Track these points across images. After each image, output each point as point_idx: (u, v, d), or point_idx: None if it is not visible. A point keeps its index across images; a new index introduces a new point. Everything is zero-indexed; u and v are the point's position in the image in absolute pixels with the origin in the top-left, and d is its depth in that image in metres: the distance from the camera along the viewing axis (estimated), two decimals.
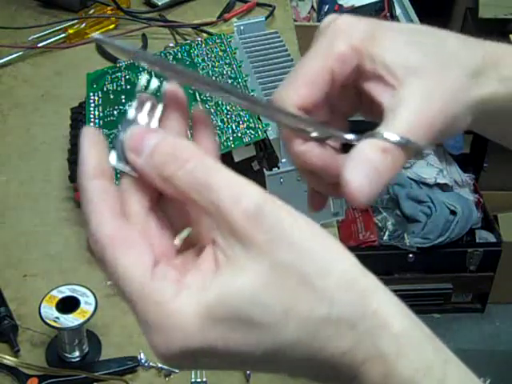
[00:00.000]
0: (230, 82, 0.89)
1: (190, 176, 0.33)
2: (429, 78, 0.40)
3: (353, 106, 0.45)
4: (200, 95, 0.87)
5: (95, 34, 0.36)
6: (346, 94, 0.44)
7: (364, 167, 0.38)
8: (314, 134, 0.42)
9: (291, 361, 0.33)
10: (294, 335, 0.32)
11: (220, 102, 0.85)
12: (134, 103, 0.37)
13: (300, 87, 0.41)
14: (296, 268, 0.32)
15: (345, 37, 0.42)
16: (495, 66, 0.42)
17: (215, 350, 0.33)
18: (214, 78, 0.90)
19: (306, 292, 0.32)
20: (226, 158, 0.78)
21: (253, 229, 0.32)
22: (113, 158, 0.36)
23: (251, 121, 0.80)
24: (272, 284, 0.32)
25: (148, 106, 0.37)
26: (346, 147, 0.42)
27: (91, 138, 0.35)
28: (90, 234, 0.34)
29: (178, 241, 0.36)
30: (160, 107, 0.37)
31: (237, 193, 0.32)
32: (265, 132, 0.79)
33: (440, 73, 0.41)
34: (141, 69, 0.93)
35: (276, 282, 0.32)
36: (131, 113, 0.36)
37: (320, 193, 0.46)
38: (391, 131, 0.39)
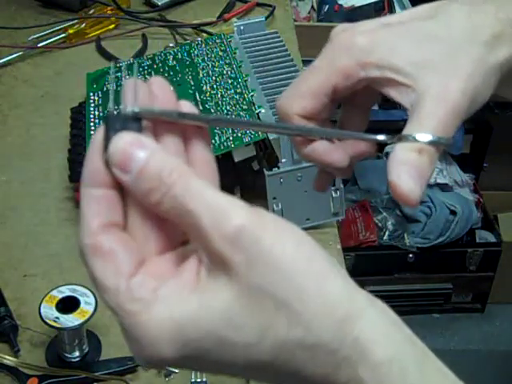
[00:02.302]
0: (229, 81, 0.89)
1: (173, 202, 0.32)
2: (440, 66, 0.41)
3: (370, 99, 0.47)
4: (200, 95, 0.87)
5: (131, 109, 0.34)
6: (360, 92, 0.44)
7: (406, 169, 0.39)
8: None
9: (272, 374, 0.33)
10: (269, 357, 0.32)
11: (220, 102, 0.85)
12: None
13: (302, 100, 0.43)
14: (272, 290, 0.31)
15: (347, 53, 0.42)
16: (510, 27, 0.42)
17: (192, 362, 0.33)
18: (214, 78, 0.90)
19: (281, 315, 0.32)
20: (226, 158, 0.78)
21: (230, 251, 0.31)
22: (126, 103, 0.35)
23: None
24: (247, 306, 0.32)
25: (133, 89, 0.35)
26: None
27: (98, 144, 0.34)
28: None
29: None
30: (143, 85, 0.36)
31: (217, 216, 0.32)
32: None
33: (450, 56, 0.41)
34: (140, 69, 0.93)
35: (251, 304, 0.32)
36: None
37: (328, 174, 0.48)
38: (420, 131, 0.40)
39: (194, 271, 0.33)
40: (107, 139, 0.34)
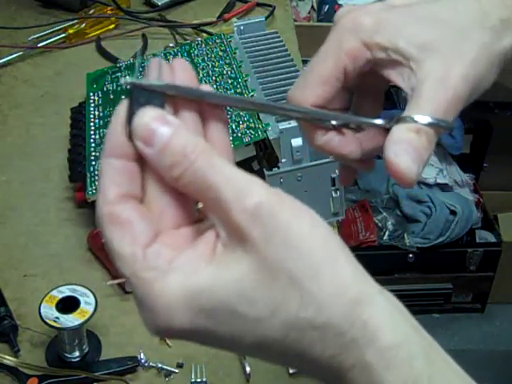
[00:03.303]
0: (229, 81, 0.89)
1: (194, 175, 0.33)
2: (444, 50, 0.40)
3: (381, 85, 0.46)
4: None
5: (125, 79, 0.35)
6: (370, 77, 0.44)
7: (404, 147, 0.39)
8: (334, 123, 0.43)
9: (279, 353, 0.33)
10: (279, 334, 0.32)
11: None
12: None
13: (314, 88, 0.43)
14: (287, 267, 0.32)
15: (352, 34, 0.42)
16: None
17: (201, 333, 0.33)
18: (214, 78, 0.90)
19: (294, 293, 0.32)
20: None
21: (249, 225, 0.32)
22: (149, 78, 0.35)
23: (251, 121, 0.80)
24: (262, 280, 0.32)
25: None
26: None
27: (121, 116, 0.35)
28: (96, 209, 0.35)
29: (200, 205, 0.35)
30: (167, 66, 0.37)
31: (238, 191, 0.32)
32: (265, 132, 0.79)
33: (455, 40, 0.41)
34: (140, 69, 0.93)
35: (266, 278, 0.32)
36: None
37: (349, 168, 0.48)
38: (419, 113, 0.39)
39: (210, 245, 0.34)
40: (131, 113, 0.34)
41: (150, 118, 0.34)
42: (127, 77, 0.35)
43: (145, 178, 0.35)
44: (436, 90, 0.40)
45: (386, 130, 0.41)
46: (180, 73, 0.37)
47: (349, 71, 0.42)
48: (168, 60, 0.95)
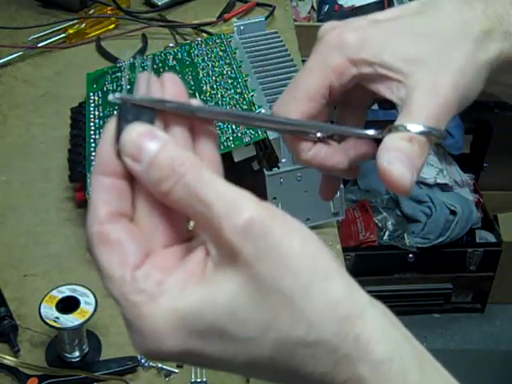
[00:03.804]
0: (229, 81, 0.89)
1: (184, 190, 0.32)
2: (431, 61, 0.40)
3: (366, 99, 0.46)
4: (200, 95, 0.87)
5: (113, 96, 0.35)
6: (355, 91, 0.44)
7: (397, 155, 0.39)
8: (319, 135, 0.43)
9: (271, 371, 0.33)
10: (270, 353, 0.32)
11: (220, 102, 0.85)
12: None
13: (300, 104, 0.43)
14: (277, 285, 0.32)
15: (338, 51, 0.42)
16: (499, 24, 0.42)
17: (192, 355, 0.33)
18: (213, 78, 0.90)
19: (284, 311, 0.32)
20: (226, 158, 0.78)
21: (240, 242, 0.31)
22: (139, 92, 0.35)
23: None
24: (252, 299, 0.32)
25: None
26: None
27: (110, 133, 0.34)
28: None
29: (192, 223, 0.35)
30: (155, 79, 0.36)
31: (228, 206, 0.32)
32: (265, 132, 0.79)
33: (441, 52, 0.41)
34: (140, 69, 0.93)
35: (256, 297, 0.32)
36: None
37: (332, 181, 0.48)
38: (411, 121, 0.39)
39: (200, 263, 0.33)
40: (119, 129, 0.34)
41: (137, 133, 0.34)
42: (116, 93, 0.35)
43: (135, 197, 0.35)
44: (426, 99, 0.40)
45: (377, 141, 0.42)
46: (170, 87, 0.36)
47: (334, 87, 0.43)
48: (168, 60, 0.95)
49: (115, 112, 0.35)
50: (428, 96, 0.40)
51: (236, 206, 0.32)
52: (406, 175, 0.39)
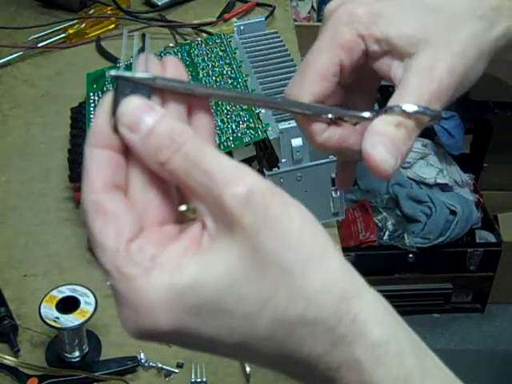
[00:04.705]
0: (230, 81, 0.89)
1: (184, 159, 0.32)
2: (434, 40, 0.40)
3: (374, 81, 0.46)
4: None
5: (115, 72, 0.34)
6: (363, 73, 0.44)
7: (381, 139, 0.39)
8: (330, 116, 0.43)
9: (265, 355, 0.32)
10: (267, 331, 0.31)
11: (220, 102, 0.85)
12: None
13: (311, 84, 0.42)
14: (277, 257, 0.31)
15: (347, 26, 0.42)
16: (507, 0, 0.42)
17: (185, 334, 0.32)
18: (214, 78, 0.90)
19: (283, 286, 0.31)
20: None
21: (240, 211, 0.31)
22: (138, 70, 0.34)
23: (251, 121, 0.80)
24: (249, 271, 0.31)
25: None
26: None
27: (106, 107, 0.34)
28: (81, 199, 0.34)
29: (183, 207, 0.34)
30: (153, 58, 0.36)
31: (229, 176, 0.31)
32: (265, 132, 0.79)
33: (445, 30, 0.40)
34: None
35: (254, 269, 0.31)
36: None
37: (348, 168, 0.47)
38: (404, 101, 0.39)
39: (195, 238, 0.33)
40: (116, 103, 0.34)
41: (135, 105, 0.33)
42: (113, 70, 0.35)
43: (128, 172, 0.34)
44: (421, 82, 0.40)
45: None
46: (171, 68, 0.36)
47: (344, 65, 0.42)
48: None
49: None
50: (422, 80, 0.40)
51: (237, 175, 0.31)
52: (387, 160, 0.39)
